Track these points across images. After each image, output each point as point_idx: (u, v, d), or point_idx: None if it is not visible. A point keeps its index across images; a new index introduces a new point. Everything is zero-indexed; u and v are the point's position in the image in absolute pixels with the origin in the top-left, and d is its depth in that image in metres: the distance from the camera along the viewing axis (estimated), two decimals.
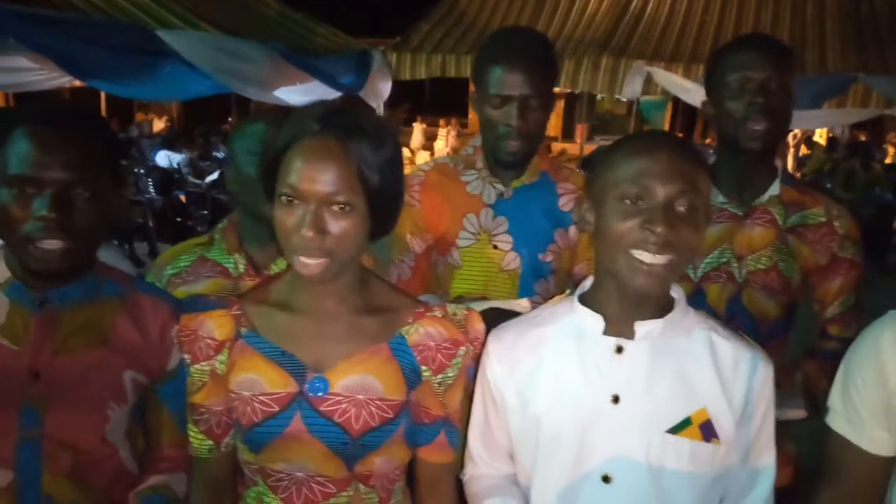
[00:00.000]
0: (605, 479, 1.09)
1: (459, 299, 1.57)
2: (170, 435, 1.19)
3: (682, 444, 1.07)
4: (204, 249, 1.55)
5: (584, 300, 1.15)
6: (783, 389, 1.54)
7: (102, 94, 8.41)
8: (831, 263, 1.57)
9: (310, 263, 1.01)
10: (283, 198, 1.01)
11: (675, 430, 1.07)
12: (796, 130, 10.87)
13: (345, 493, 1.12)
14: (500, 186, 1.67)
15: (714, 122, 1.61)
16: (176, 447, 1.18)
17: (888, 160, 10.71)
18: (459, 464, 1.31)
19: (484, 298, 1.55)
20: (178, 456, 1.18)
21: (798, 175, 10.64)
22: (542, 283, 1.68)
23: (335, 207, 1.00)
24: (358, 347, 1.11)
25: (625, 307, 1.09)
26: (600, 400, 1.08)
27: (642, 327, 1.09)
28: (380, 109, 7.40)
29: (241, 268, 1.51)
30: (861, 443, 1.09)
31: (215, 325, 1.11)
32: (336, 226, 1.01)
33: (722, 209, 1.60)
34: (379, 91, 7.00)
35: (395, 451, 1.14)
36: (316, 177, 0.99)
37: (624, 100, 14.03)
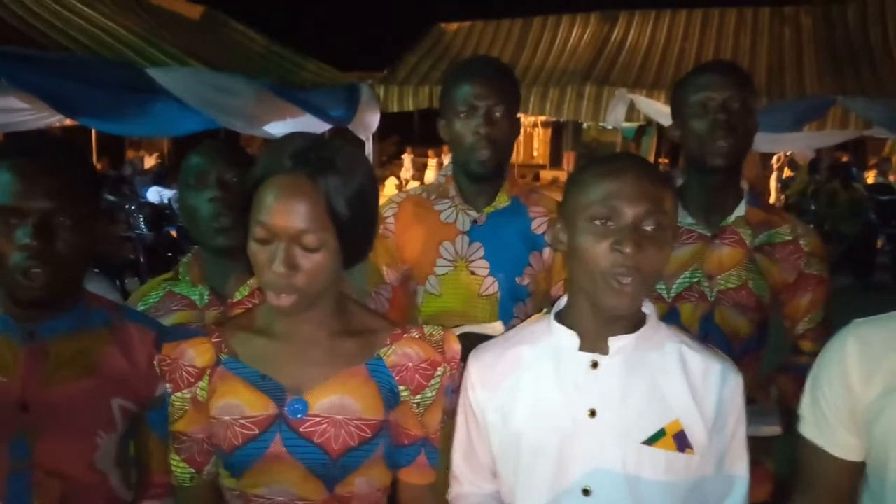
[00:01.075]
0: (585, 491, 1.12)
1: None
2: (159, 461, 1.21)
3: (657, 455, 1.10)
4: (171, 284, 1.58)
5: (560, 318, 1.19)
6: (759, 405, 1.58)
7: (93, 132, 8.48)
8: (799, 280, 1.63)
9: (282, 300, 1.05)
10: (256, 234, 1.04)
11: (650, 442, 1.10)
12: (779, 153, 11.04)
13: None
14: (473, 213, 1.72)
15: (681, 143, 1.67)
16: (166, 473, 1.20)
17: (870, 180, 10.88)
18: (445, 484, 1.34)
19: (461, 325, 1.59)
20: (168, 482, 1.20)
21: (782, 197, 10.78)
22: (521, 306, 1.72)
23: (307, 244, 1.03)
24: (336, 370, 1.13)
25: (599, 324, 1.13)
26: (577, 414, 1.12)
27: (616, 342, 1.13)
28: (369, 142, 7.49)
29: (206, 299, 1.54)
30: (830, 448, 1.12)
31: (196, 353, 1.13)
32: (307, 262, 1.04)
33: (691, 230, 1.66)
34: (368, 123, 7.09)
35: (375, 472, 1.16)
36: (287, 214, 1.02)
37: (609, 127, 14.22)
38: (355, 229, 1.07)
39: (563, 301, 1.22)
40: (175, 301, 1.55)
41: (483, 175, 1.67)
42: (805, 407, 1.16)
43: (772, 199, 11.50)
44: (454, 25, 8.60)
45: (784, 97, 6.53)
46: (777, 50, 7.26)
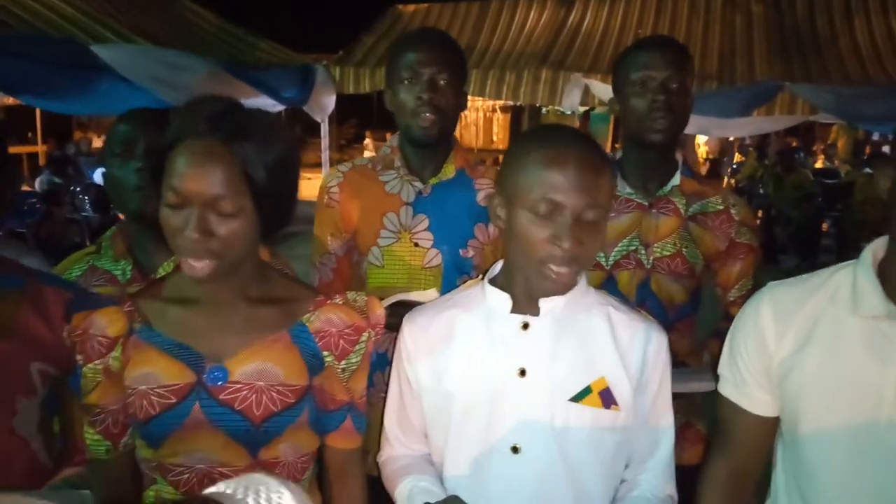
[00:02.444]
0: (514, 449, 1.14)
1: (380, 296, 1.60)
2: (83, 427, 1.18)
3: (583, 412, 1.13)
4: (94, 258, 1.54)
5: (494, 282, 1.21)
6: (692, 368, 1.63)
7: (38, 112, 8.21)
8: (730, 248, 1.68)
9: (196, 266, 1.02)
10: (169, 199, 1.02)
11: (577, 399, 1.14)
12: (731, 139, 11.28)
13: None
14: (418, 184, 1.71)
15: (620, 117, 1.70)
16: None
17: (818, 165, 11.19)
18: (377, 447, 1.35)
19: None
20: None
21: (733, 182, 11.03)
22: (465, 278, 1.73)
23: (222, 209, 1.01)
24: (257, 336, 1.11)
25: (531, 288, 1.15)
26: (508, 373, 1.14)
27: (546, 304, 1.15)
28: (325, 124, 7.42)
29: (129, 273, 1.51)
30: (747, 405, 1.17)
31: (107, 322, 1.10)
32: (222, 228, 1.02)
33: (629, 200, 1.69)
34: (323, 105, 7.02)
35: (301, 437, 1.16)
36: (200, 179, 1.00)
37: (568, 112, 14.30)
38: (273, 196, 1.06)
39: (498, 266, 1.23)
40: (97, 276, 1.51)
41: (425, 142, 1.67)
42: (724, 366, 1.21)
43: (723, 184, 11.79)
44: (411, 7, 8.54)
45: (734, 83, 6.66)
46: (728, 36, 7.38)
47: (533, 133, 1.21)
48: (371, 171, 1.75)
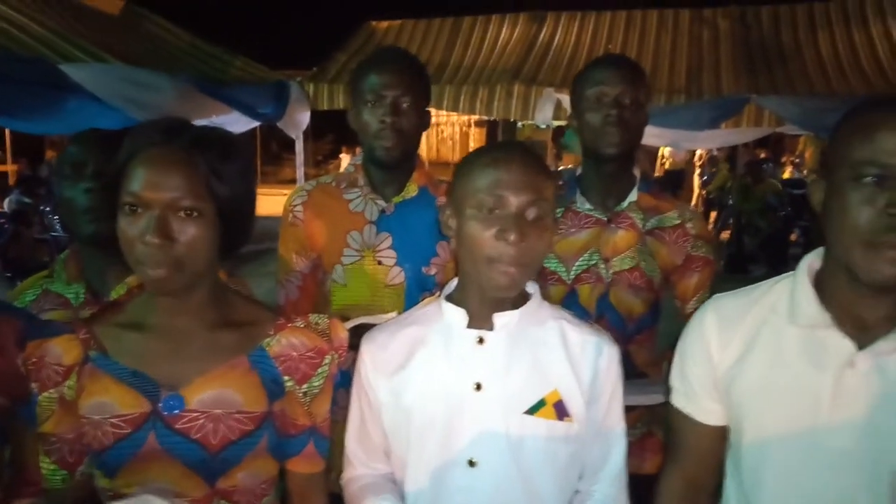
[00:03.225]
0: (471, 462, 1.16)
1: (343, 316, 1.61)
2: (35, 458, 1.14)
3: (538, 424, 1.16)
4: (48, 282, 1.53)
5: (451, 299, 1.23)
6: (649, 379, 1.67)
7: (7, 132, 8.11)
8: (687, 262, 1.72)
9: (157, 273, 1.00)
10: (126, 207, 1.00)
11: (531, 412, 1.16)
12: (701, 151, 11.46)
13: None
14: (381, 203, 1.73)
15: (578, 134, 1.74)
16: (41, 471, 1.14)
17: (786, 175, 11.39)
18: (340, 465, 1.36)
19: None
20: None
21: (703, 192, 11.20)
22: (428, 296, 1.75)
23: (182, 213, 1.00)
24: (215, 363, 1.10)
25: (485, 303, 1.18)
26: (464, 388, 1.16)
27: (500, 319, 1.18)
28: (300, 140, 7.42)
29: (81, 297, 1.50)
30: (696, 415, 1.20)
31: (62, 351, 1.08)
32: (183, 233, 1.00)
33: (589, 215, 1.73)
34: (298, 121, 7.02)
35: (260, 464, 1.14)
36: (160, 182, 0.99)
37: (543, 127, 14.43)
38: (234, 206, 1.06)
39: (454, 283, 1.26)
40: (49, 300, 1.50)
41: (388, 163, 1.69)
42: (674, 378, 1.24)
43: (694, 196, 11.95)
44: (384, 24, 8.60)
45: (702, 96, 6.79)
46: (696, 51, 7.53)
47: (479, 147, 1.27)
48: (335, 190, 1.77)
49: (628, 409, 1.62)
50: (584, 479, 1.24)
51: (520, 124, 15.49)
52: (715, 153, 11.24)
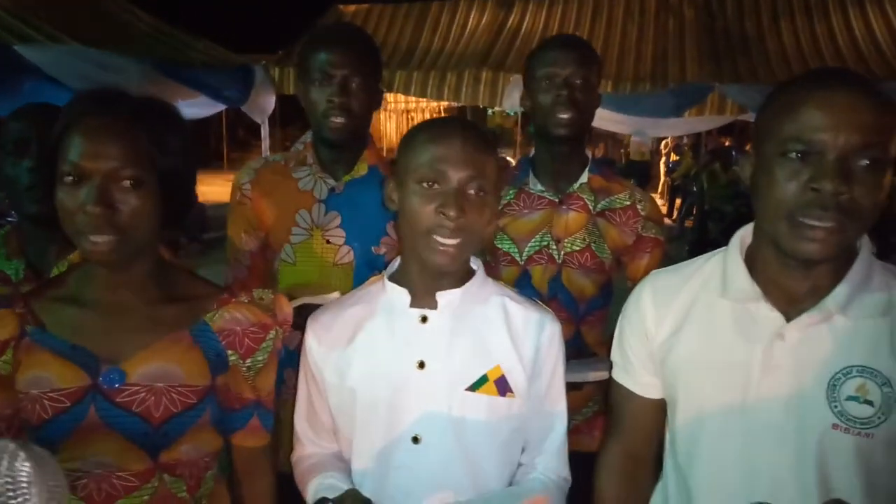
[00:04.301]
0: (415, 439, 1.17)
1: (290, 295, 1.60)
2: None
3: (480, 400, 1.17)
4: None
5: (394, 278, 1.24)
6: (598, 357, 1.69)
7: None
8: (637, 242, 1.74)
9: (98, 242, 0.99)
10: (66, 178, 0.99)
11: (473, 388, 1.17)
12: (667, 139, 11.61)
13: (149, 486, 1.10)
14: (331, 181, 1.72)
15: (530, 114, 1.75)
16: None
17: None
18: (289, 444, 1.37)
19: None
20: None
21: (669, 180, 11.35)
22: (378, 275, 1.75)
23: (124, 183, 0.99)
24: (157, 337, 1.09)
25: (427, 281, 1.19)
26: (408, 366, 1.17)
27: (443, 297, 1.19)
28: (265, 125, 7.34)
29: (21, 273, 1.49)
30: (635, 388, 1.23)
31: None
32: (125, 203, 1.00)
33: (541, 197, 1.75)
34: (262, 106, 6.95)
35: (203, 437, 1.15)
36: (100, 152, 0.98)
37: (512, 113, 14.45)
38: (176, 177, 1.05)
39: (397, 262, 1.27)
40: None
41: (336, 142, 1.68)
42: (615, 353, 1.26)
43: (660, 182, 12.10)
44: (352, 7, 8.55)
45: (667, 84, 6.87)
46: (662, 39, 7.61)
47: (423, 121, 1.28)
48: (284, 168, 1.75)
49: (579, 388, 1.66)
50: (527, 453, 1.26)
51: (490, 111, 15.52)
52: (684, 141, 11.40)
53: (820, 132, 0.94)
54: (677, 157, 11.29)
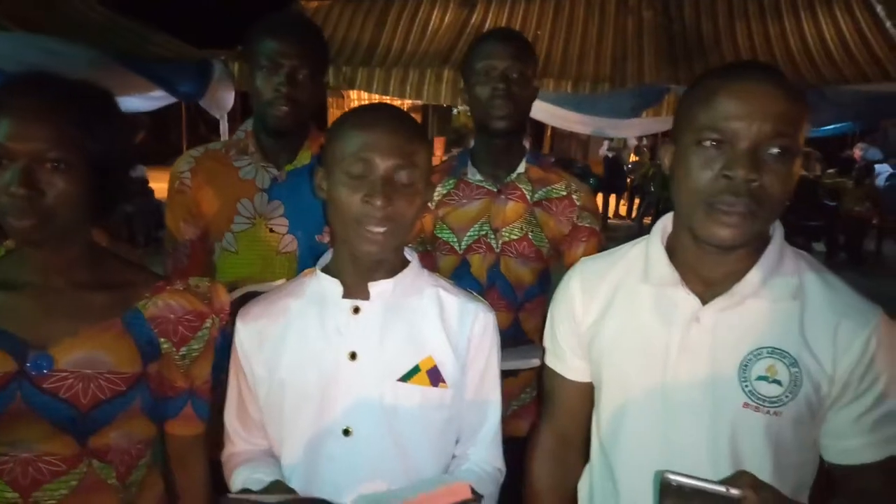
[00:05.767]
0: (346, 431, 1.16)
1: (233, 285, 1.59)
2: None
3: (412, 391, 1.17)
4: None
5: (327, 269, 1.23)
6: (534, 345, 1.72)
7: None
8: (573, 232, 1.78)
9: (22, 224, 0.99)
10: None
11: (405, 378, 1.17)
12: (634, 141, 11.76)
13: (76, 471, 1.09)
14: (273, 170, 1.71)
15: (468, 106, 1.77)
16: None
17: None
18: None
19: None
20: None
21: (629, 180, 11.51)
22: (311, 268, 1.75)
23: (49, 165, 0.99)
24: (87, 323, 1.09)
25: (360, 271, 1.18)
26: (339, 357, 1.16)
27: (375, 288, 1.18)
28: (224, 120, 7.22)
29: None
30: (565, 372, 1.25)
31: None
32: (51, 185, 0.99)
33: (480, 186, 1.77)
34: (221, 101, 6.83)
35: (134, 424, 1.14)
36: (24, 133, 0.98)
37: None
38: (107, 161, 1.04)
39: (329, 254, 1.26)
40: None
41: (280, 131, 1.68)
42: (546, 339, 1.29)
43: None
44: (314, 3, 8.46)
45: (626, 84, 6.97)
46: (621, 40, 7.70)
47: (351, 109, 1.26)
48: (224, 157, 1.73)
49: (515, 375, 1.69)
50: (461, 444, 1.26)
51: (455, 110, 15.53)
52: (644, 143, 11.56)
53: (733, 121, 0.97)
54: (636, 158, 11.48)
